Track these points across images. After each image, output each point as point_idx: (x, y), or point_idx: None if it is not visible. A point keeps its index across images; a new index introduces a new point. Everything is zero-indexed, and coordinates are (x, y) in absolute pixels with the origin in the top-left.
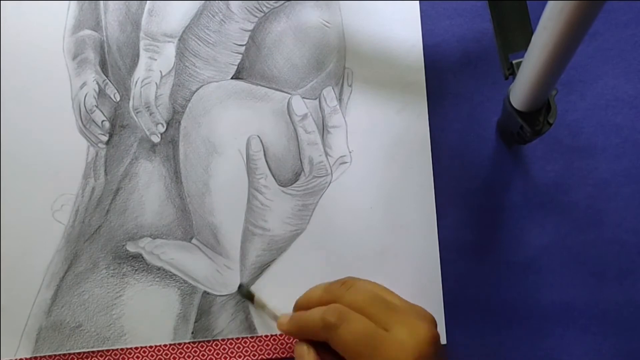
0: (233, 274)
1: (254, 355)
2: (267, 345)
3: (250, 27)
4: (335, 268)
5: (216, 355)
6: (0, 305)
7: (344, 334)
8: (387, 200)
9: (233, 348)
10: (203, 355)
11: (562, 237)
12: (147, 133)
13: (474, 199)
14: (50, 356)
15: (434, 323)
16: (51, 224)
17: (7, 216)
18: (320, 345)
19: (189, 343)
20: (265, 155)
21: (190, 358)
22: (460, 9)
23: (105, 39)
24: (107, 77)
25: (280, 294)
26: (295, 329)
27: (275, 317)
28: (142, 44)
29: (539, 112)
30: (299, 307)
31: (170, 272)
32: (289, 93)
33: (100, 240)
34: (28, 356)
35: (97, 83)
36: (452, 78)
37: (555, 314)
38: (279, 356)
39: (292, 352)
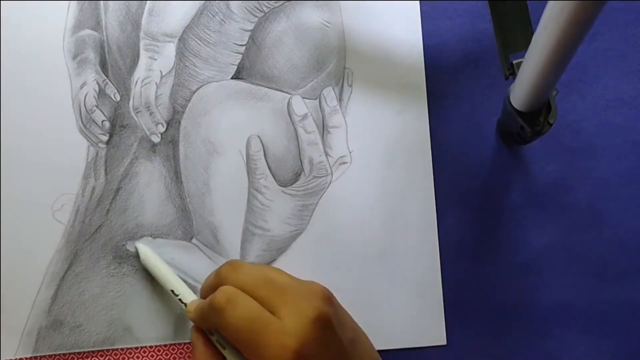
0: None
1: None
2: None
3: (251, 27)
4: (335, 268)
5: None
6: (0, 304)
7: (229, 318)
8: (387, 201)
9: None
10: None
11: (562, 237)
12: (147, 133)
13: (474, 199)
14: (50, 356)
15: (326, 299)
16: (51, 223)
17: (7, 216)
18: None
19: (189, 343)
20: (265, 155)
21: (191, 358)
22: (461, 9)
23: (105, 38)
24: (107, 76)
25: None
26: (194, 316)
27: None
28: (142, 43)
29: (539, 113)
30: (201, 295)
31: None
32: (289, 93)
33: (100, 240)
34: (28, 356)
35: (97, 83)
36: (452, 78)
37: (556, 314)
38: None
39: None
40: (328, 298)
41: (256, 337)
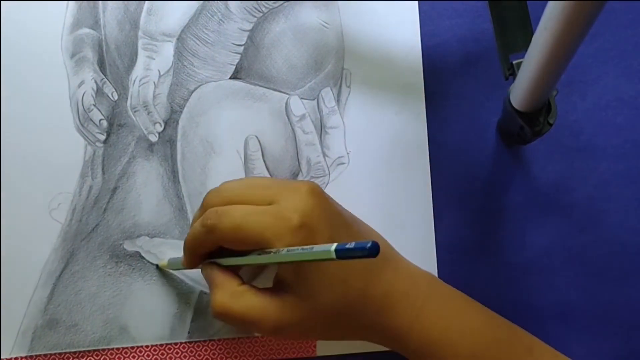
0: None
1: (251, 356)
2: (264, 345)
3: (249, 27)
4: None
5: (212, 356)
6: None
7: (225, 225)
8: (384, 201)
9: (229, 348)
10: (199, 355)
11: (563, 237)
12: (145, 132)
13: (474, 199)
14: (46, 355)
15: (314, 184)
16: (48, 222)
17: (4, 214)
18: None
19: (185, 343)
20: (263, 155)
21: (187, 358)
22: (460, 9)
23: (103, 37)
24: (105, 75)
25: None
26: (189, 254)
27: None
28: (140, 43)
29: (539, 113)
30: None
31: (167, 271)
32: (287, 93)
33: (97, 239)
34: (23, 355)
35: (95, 82)
36: (452, 78)
37: (556, 314)
38: (275, 357)
39: (291, 353)
40: (316, 185)
41: (257, 226)
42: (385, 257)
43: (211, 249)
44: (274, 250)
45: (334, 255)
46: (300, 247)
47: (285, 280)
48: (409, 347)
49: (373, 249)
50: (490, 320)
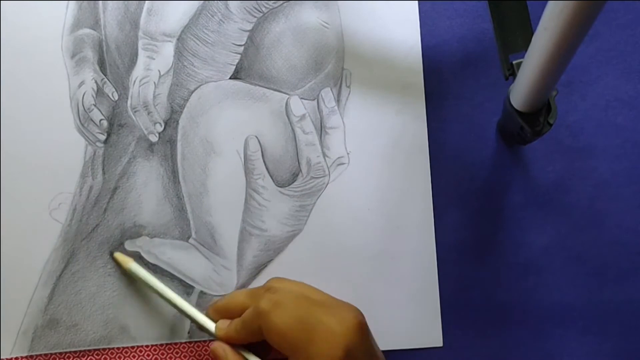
0: (230, 274)
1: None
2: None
3: (249, 27)
4: (332, 269)
5: (212, 356)
6: None
7: (278, 318)
8: (384, 202)
9: None
10: (199, 355)
11: (562, 237)
12: (145, 132)
13: (474, 199)
14: (46, 355)
15: (359, 312)
16: (48, 222)
17: (4, 214)
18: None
19: (185, 343)
20: (263, 155)
21: (187, 358)
22: (461, 9)
23: (104, 37)
24: (105, 76)
25: None
26: (228, 331)
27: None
28: (140, 43)
29: (539, 113)
30: (216, 310)
31: (167, 271)
32: (287, 93)
33: (97, 239)
34: (24, 355)
35: (96, 82)
36: (452, 79)
37: (555, 314)
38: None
39: None
40: (361, 314)
41: (306, 335)
42: None
43: (244, 337)
44: None
45: None
46: None
47: None
48: None
49: None
50: None
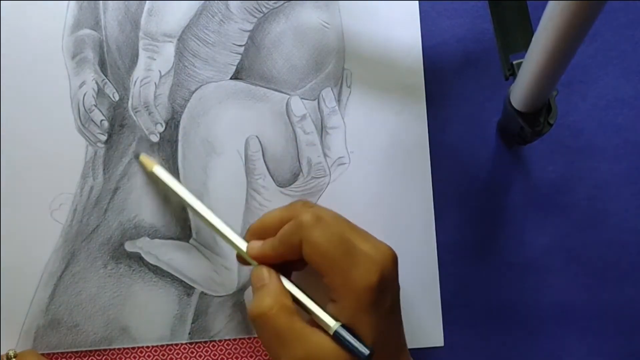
0: (230, 274)
1: (251, 357)
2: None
3: (250, 27)
4: None
5: (213, 357)
6: None
7: (321, 233)
8: (385, 202)
9: (230, 349)
10: (200, 356)
11: (563, 237)
12: (146, 133)
13: (474, 199)
14: (48, 355)
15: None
16: (49, 223)
17: (5, 215)
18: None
19: (186, 344)
20: (263, 155)
21: (187, 359)
22: (461, 9)
23: (104, 38)
24: (106, 76)
25: None
26: (265, 248)
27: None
28: (141, 43)
29: (539, 113)
30: (252, 232)
31: (168, 272)
32: (287, 94)
33: (98, 240)
34: None
35: (96, 82)
36: (452, 79)
37: (556, 314)
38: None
39: None
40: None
41: (347, 255)
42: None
43: (283, 252)
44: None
45: (331, 332)
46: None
47: None
48: None
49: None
50: None
